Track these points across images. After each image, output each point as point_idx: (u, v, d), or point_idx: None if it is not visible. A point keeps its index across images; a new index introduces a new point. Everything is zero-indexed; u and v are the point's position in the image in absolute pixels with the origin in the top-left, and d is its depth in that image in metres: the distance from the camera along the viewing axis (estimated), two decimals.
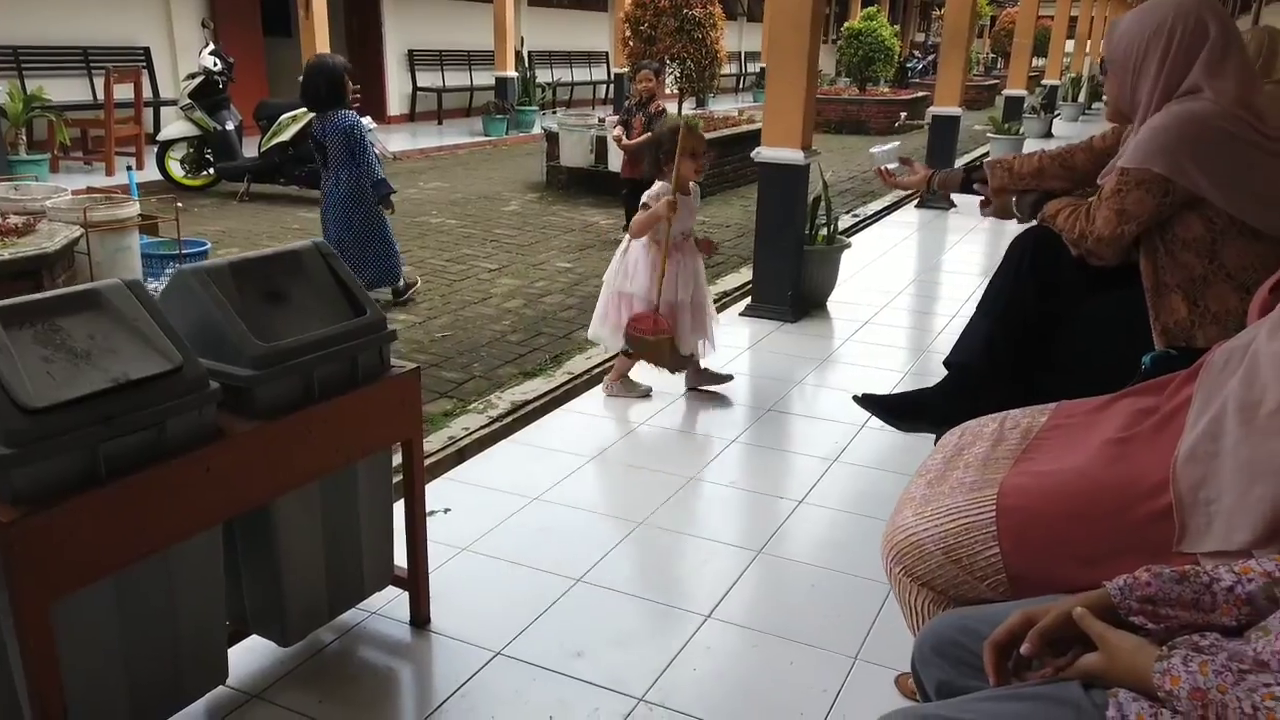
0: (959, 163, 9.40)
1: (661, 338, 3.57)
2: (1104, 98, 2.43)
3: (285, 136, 8.06)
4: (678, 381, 3.97)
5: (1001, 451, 1.68)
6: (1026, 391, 2.24)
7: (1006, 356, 2.46)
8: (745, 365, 4.26)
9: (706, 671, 2.12)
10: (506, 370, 4.29)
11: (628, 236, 3.72)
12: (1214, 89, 2.05)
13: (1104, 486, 1.46)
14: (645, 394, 3.83)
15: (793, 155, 4.75)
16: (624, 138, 6.58)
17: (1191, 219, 2.09)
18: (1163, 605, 1.09)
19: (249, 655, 2.09)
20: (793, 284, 4.83)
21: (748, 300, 5.05)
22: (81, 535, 1.53)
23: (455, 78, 14.77)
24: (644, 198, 3.60)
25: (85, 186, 5.45)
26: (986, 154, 11.52)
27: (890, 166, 3.00)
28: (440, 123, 14.13)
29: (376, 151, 5.15)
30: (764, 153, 4.83)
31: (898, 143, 3.12)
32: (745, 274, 5.71)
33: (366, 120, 5.23)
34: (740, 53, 21.86)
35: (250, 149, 8.64)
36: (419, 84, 14.28)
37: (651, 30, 9.37)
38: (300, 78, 5.08)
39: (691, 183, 3.60)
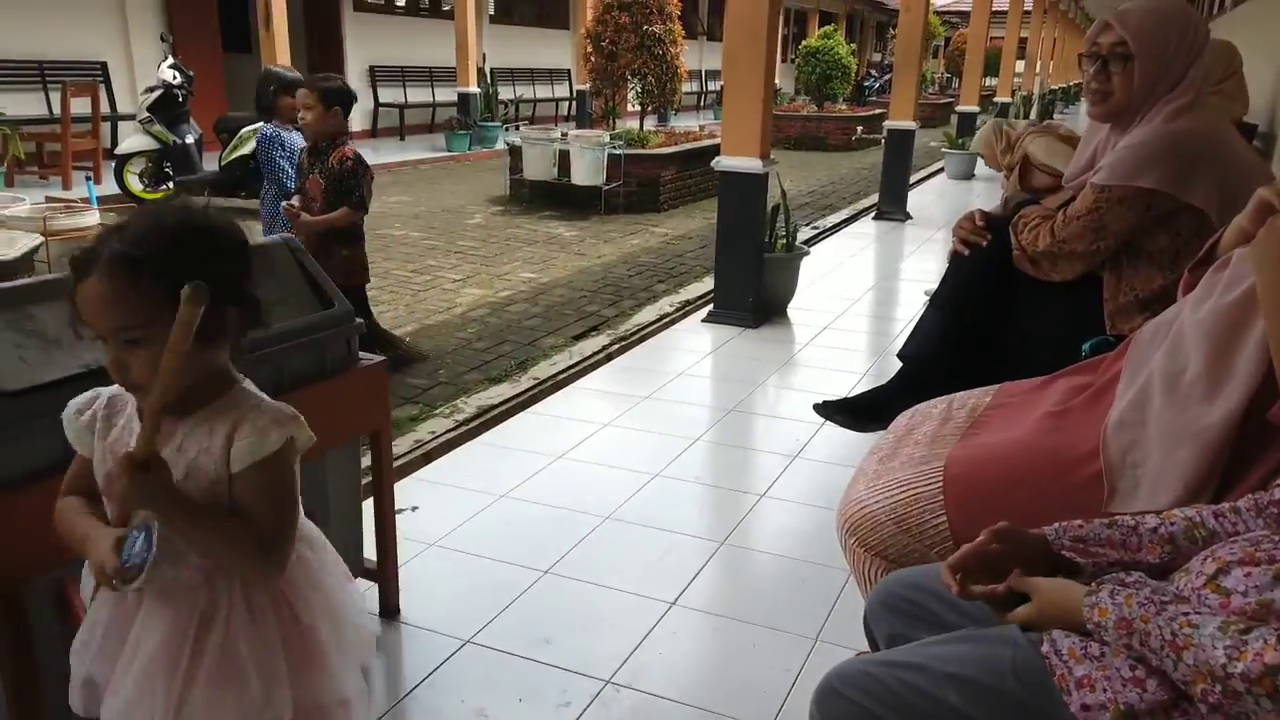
0: (913, 178, 9.60)
1: None
2: (1096, 89, 2.17)
3: (246, 150, 8.02)
4: (645, 382, 4.04)
5: (949, 429, 1.77)
6: (977, 381, 2.34)
7: (958, 347, 2.55)
8: (708, 369, 4.34)
9: (672, 655, 2.17)
10: (472, 376, 4.32)
11: None
12: (1197, 99, 2.07)
13: (1041, 454, 1.55)
14: None
15: (751, 164, 4.85)
16: (302, 211, 3.85)
17: (1158, 233, 2.14)
18: (1092, 544, 1.18)
19: None
20: (753, 290, 4.93)
21: (710, 307, 5.14)
22: (48, 521, 1.55)
23: (417, 94, 14.80)
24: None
25: (45, 197, 5.41)
26: (941, 169, 11.79)
27: None
28: (403, 138, 14.14)
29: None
30: (724, 162, 4.94)
31: None
32: (708, 282, 5.80)
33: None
34: (701, 71, 22.14)
35: (210, 163, 8.59)
36: (381, 100, 14.28)
37: (613, 46, 9.52)
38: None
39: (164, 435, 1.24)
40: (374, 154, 12.31)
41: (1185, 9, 2.22)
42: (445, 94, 14.70)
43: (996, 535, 1.19)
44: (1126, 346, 1.63)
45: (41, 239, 4.13)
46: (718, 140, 10.30)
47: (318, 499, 2.12)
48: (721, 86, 21.65)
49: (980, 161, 11.79)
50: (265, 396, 1.32)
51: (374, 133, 14.31)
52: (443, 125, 13.81)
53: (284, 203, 3.99)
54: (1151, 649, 0.99)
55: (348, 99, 3.86)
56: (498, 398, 3.91)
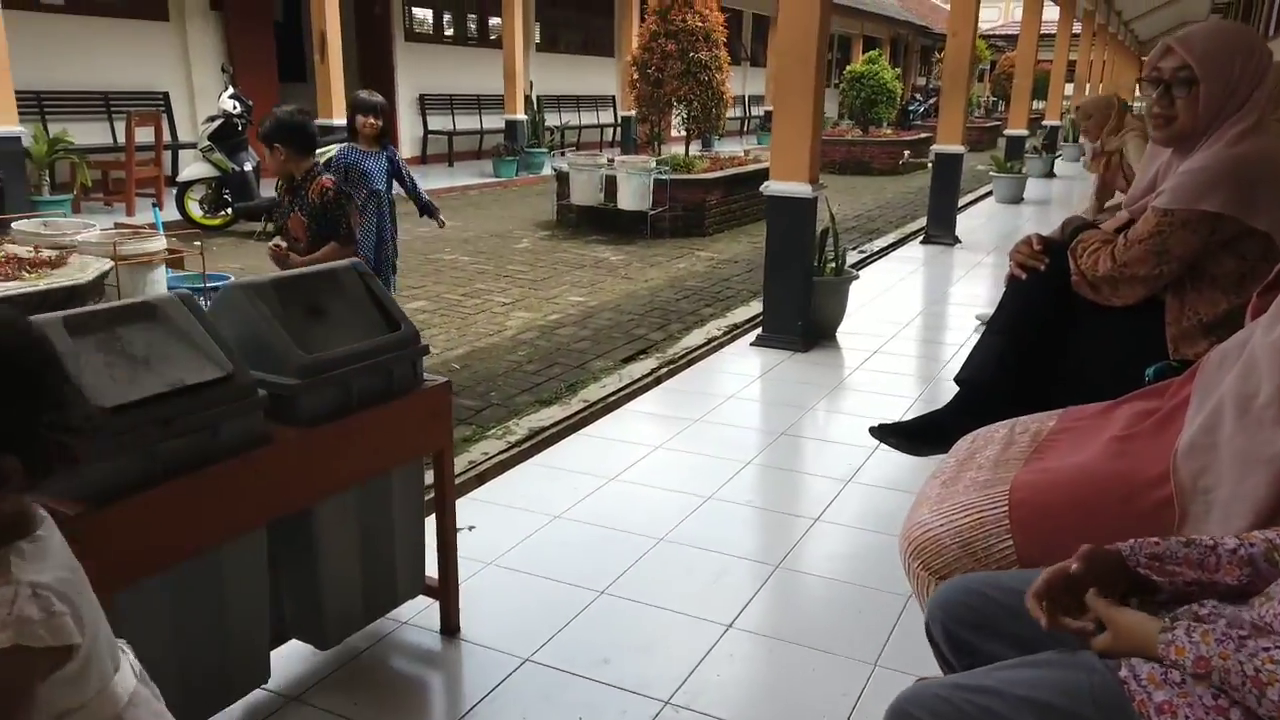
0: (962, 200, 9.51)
1: None
2: (1159, 114, 2.13)
3: None
4: (695, 406, 4.06)
5: (1012, 453, 1.77)
6: (1034, 406, 2.32)
7: (1016, 371, 2.53)
8: (758, 392, 4.35)
9: (730, 677, 2.18)
10: (523, 399, 4.38)
11: None
12: (1261, 122, 2.04)
13: (1108, 479, 1.54)
14: None
15: (800, 189, 4.87)
16: (288, 251, 3.54)
17: (1223, 257, 2.10)
18: (1169, 562, 1.18)
19: (285, 660, 2.16)
20: (802, 314, 4.93)
21: (758, 331, 5.15)
22: (141, 530, 1.62)
23: (465, 121, 15.06)
24: None
25: (114, 223, 5.60)
26: (989, 193, 11.70)
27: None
28: (451, 164, 14.38)
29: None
30: (772, 186, 4.96)
31: None
32: (755, 306, 5.82)
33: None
34: (744, 96, 22.24)
35: (268, 189, 8.81)
36: (430, 127, 14.56)
37: (659, 73, 9.62)
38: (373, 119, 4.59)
39: None
40: (423, 179, 12.49)
41: (1248, 32, 2.20)
42: (492, 121, 14.94)
43: (1085, 559, 1.18)
44: (1195, 371, 1.62)
45: (111, 264, 4.26)
46: (762, 165, 10.37)
47: (383, 518, 2.17)
48: (765, 112, 21.55)
49: (1030, 184, 11.68)
50: (30, 572, 0.98)
51: (424, 159, 14.58)
52: (490, 152, 14.03)
53: (269, 244, 3.68)
54: (1232, 686, 0.99)
55: (286, 134, 3.55)
56: (549, 420, 3.95)
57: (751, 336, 5.15)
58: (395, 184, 4.75)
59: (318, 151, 8.34)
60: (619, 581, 2.57)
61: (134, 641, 1.65)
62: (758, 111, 22.84)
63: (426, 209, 4.91)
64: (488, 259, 7.77)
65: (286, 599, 2.06)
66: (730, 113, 12.13)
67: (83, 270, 4.06)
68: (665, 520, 2.94)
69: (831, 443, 3.70)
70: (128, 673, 1.10)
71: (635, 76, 9.91)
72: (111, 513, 1.56)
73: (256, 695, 2.02)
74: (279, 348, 1.95)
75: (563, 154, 14.61)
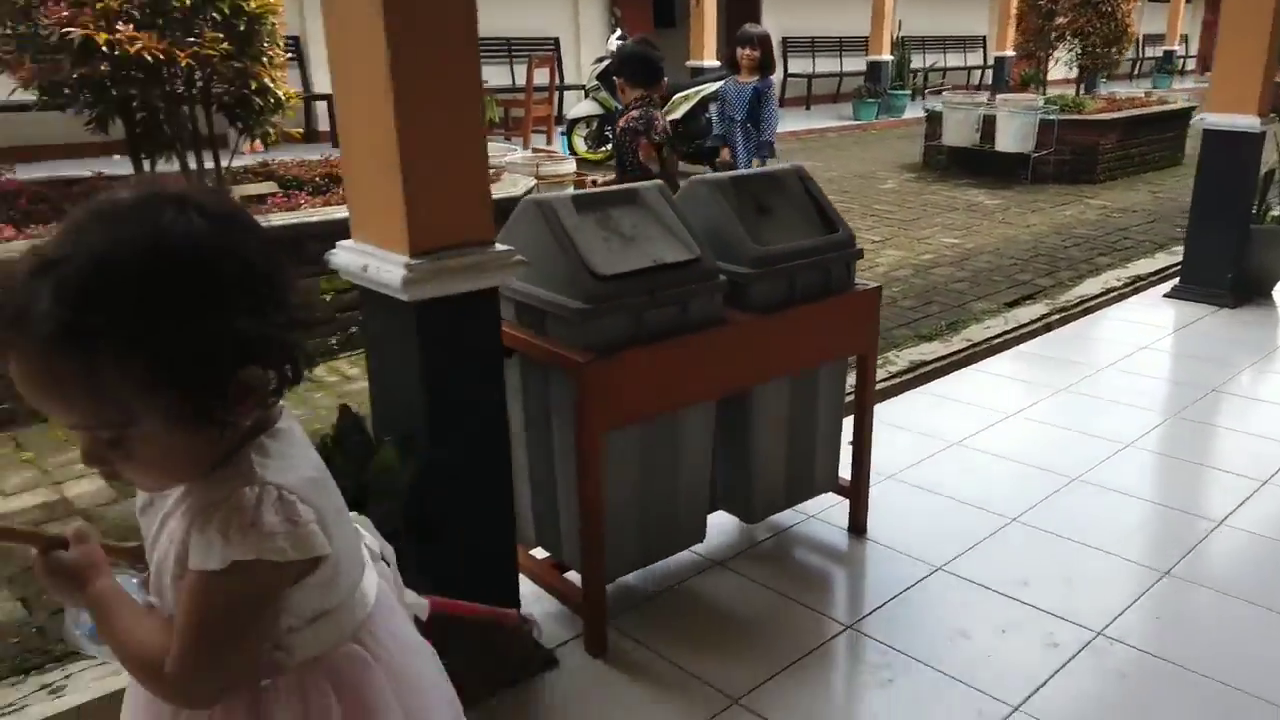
0: None
1: None
2: None
3: (677, 114, 8.62)
4: (1099, 353, 3.74)
5: None
6: None
7: None
8: (1175, 346, 3.91)
9: (1173, 620, 2.02)
10: (901, 332, 4.29)
11: None
12: None
13: None
14: None
15: (1246, 122, 4.24)
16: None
17: None
18: None
19: (710, 530, 2.31)
20: (1234, 266, 4.33)
21: (1171, 284, 4.61)
22: (627, 383, 1.81)
23: (825, 64, 14.85)
24: None
25: (531, 149, 6.26)
26: None
27: None
28: (808, 107, 14.30)
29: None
30: (1209, 119, 4.37)
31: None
32: (1161, 259, 5.25)
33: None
34: (1138, 35, 19.72)
35: None
36: (790, 70, 14.55)
37: (1051, 5, 8.82)
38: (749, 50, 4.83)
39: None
40: (782, 122, 12.59)
41: None
42: (852, 64, 14.61)
43: None
44: None
45: (535, 181, 4.79)
46: (1169, 106, 9.17)
47: (809, 411, 2.24)
48: (1164, 51, 18.93)
49: None
50: (276, 472, 0.88)
51: (782, 102, 14.61)
52: (848, 95, 13.74)
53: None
54: None
55: (624, 65, 3.65)
56: (930, 354, 3.85)
57: (1162, 289, 4.63)
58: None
59: (699, 88, 8.72)
60: (1032, 512, 2.46)
61: (612, 481, 1.88)
62: (1153, 52, 20.17)
63: (760, 148, 4.93)
64: (852, 198, 7.66)
65: (720, 472, 2.21)
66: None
67: (514, 185, 4.59)
68: (1078, 461, 2.76)
69: (1276, 404, 3.24)
70: (372, 574, 1.02)
71: (1023, 9, 9.16)
72: (611, 364, 1.76)
73: (686, 555, 2.20)
74: (735, 239, 2.06)
75: (923, 96, 13.95)
